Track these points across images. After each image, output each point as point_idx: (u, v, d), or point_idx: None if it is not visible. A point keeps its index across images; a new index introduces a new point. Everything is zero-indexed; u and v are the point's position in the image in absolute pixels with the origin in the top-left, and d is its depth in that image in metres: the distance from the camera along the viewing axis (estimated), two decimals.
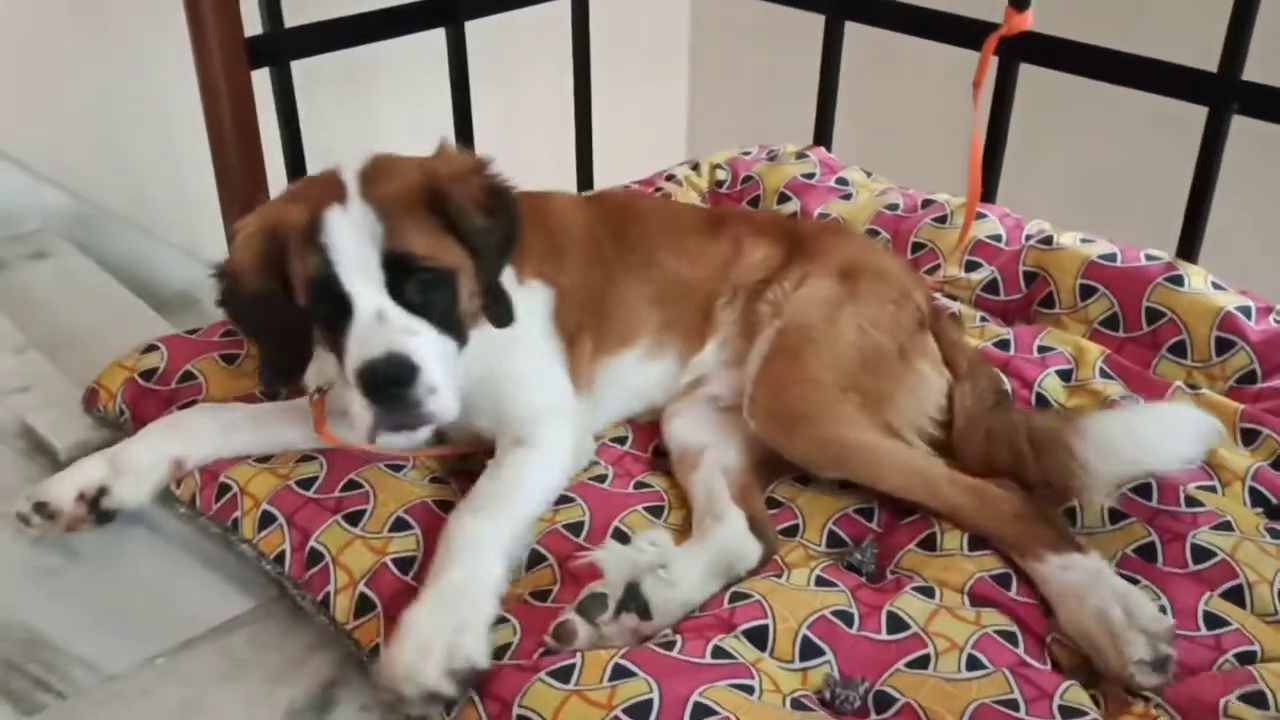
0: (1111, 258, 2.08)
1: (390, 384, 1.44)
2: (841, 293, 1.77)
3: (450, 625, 1.34)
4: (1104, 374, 1.93)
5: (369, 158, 1.58)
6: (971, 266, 2.22)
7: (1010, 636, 1.44)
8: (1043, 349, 1.99)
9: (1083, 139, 3.10)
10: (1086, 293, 2.07)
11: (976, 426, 1.69)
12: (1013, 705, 1.33)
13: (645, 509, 1.64)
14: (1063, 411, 1.68)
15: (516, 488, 1.56)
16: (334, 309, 1.49)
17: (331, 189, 1.52)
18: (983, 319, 2.12)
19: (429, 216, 1.52)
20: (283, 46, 2.16)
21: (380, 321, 1.47)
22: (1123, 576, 1.52)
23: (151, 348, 1.92)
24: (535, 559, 1.55)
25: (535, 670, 1.32)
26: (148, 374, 1.88)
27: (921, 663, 1.40)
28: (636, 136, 3.44)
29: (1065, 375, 1.94)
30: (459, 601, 1.38)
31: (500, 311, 1.60)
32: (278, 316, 1.55)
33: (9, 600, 1.60)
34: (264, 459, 1.72)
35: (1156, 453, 1.56)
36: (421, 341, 1.48)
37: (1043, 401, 1.89)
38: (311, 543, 1.57)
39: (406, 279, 1.49)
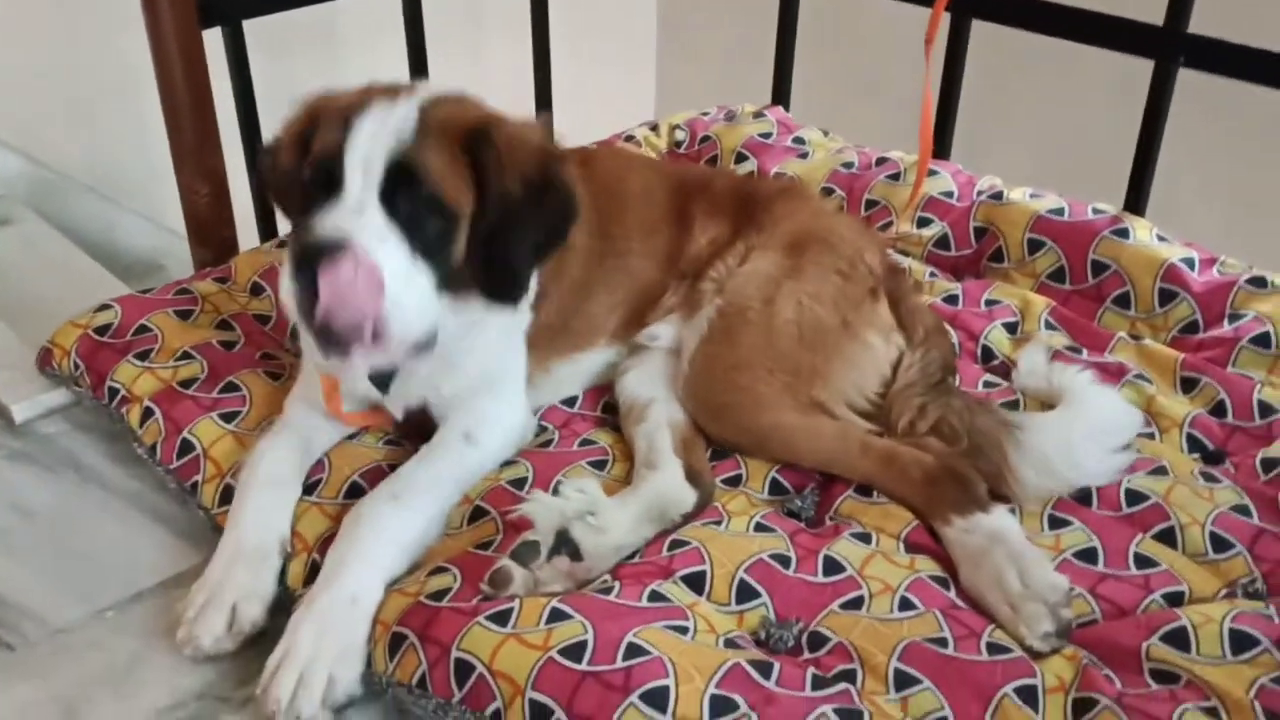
0: (1060, 212, 2.10)
1: (318, 253, 1.35)
2: (785, 267, 1.75)
3: (334, 650, 1.36)
4: (1049, 326, 1.96)
5: (460, 90, 1.57)
6: (923, 222, 2.23)
7: (943, 581, 1.46)
8: (990, 303, 2.02)
9: (1039, 98, 3.10)
10: (1034, 247, 2.09)
11: (911, 398, 1.69)
12: (942, 643, 1.35)
13: (588, 464, 1.66)
14: (1003, 413, 1.65)
15: (447, 480, 1.57)
16: (326, 192, 1.44)
17: (394, 93, 1.52)
18: (932, 274, 2.14)
19: (459, 154, 1.49)
20: (234, 6, 2.15)
21: (358, 214, 1.42)
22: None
23: (105, 306, 1.93)
24: (478, 513, 1.57)
25: (474, 614, 1.34)
26: (102, 329, 1.89)
27: (855, 604, 1.42)
28: (606, 99, 3.43)
29: (1011, 328, 1.97)
30: (345, 619, 1.39)
31: (504, 287, 1.54)
32: (300, 199, 1.50)
33: None
34: (228, 418, 1.72)
35: (1090, 473, 1.58)
36: (389, 248, 1.41)
37: (989, 354, 1.92)
38: None
39: (403, 190, 1.45)
